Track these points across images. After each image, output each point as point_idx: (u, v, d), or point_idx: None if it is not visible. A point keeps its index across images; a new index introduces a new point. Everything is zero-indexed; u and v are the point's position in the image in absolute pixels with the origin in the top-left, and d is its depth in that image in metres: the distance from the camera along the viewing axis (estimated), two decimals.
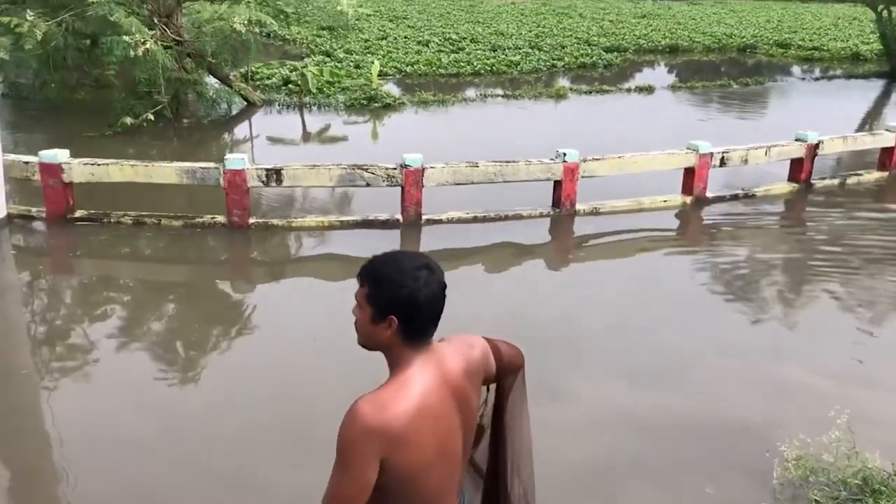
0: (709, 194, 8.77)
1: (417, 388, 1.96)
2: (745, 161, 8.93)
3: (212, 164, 7.58)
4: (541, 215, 8.13)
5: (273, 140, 11.92)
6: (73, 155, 7.57)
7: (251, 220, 7.55)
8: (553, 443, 4.31)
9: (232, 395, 4.75)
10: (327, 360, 5.07)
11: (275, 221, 7.70)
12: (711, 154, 8.63)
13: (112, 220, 7.52)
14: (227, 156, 7.55)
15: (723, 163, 8.78)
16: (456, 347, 2.14)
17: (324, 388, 4.63)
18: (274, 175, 7.52)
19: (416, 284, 1.97)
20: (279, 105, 13.59)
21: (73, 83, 12.29)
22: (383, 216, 7.76)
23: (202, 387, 4.96)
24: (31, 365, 5.22)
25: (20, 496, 3.94)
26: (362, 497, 1.91)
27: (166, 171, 7.51)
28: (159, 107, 11.20)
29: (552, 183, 8.18)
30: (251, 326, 5.81)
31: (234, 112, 13.20)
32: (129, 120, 10.78)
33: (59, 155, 7.40)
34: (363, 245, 7.26)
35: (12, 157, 7.55)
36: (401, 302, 1.96)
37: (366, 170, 7.61)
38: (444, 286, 2.04)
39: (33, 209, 7.64)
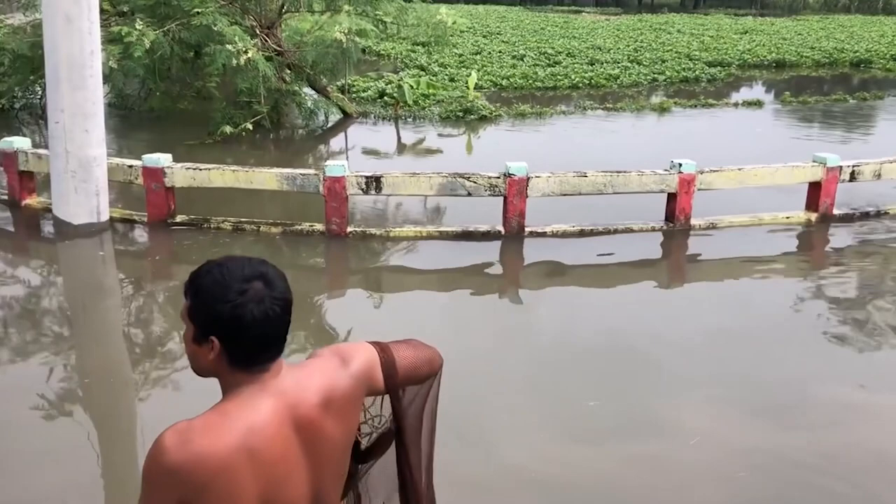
0: (835, 211, 8.09)
1: (240, 424, 1.57)
2: (878, 175, 8.20)
3: (311, 171, 7.43)
4: (652, 230, 7.64)
5: (368, 152, 11.79)
6: (175, 162, 7.54)
7: (349, 229, 7.34)
8: (682, 482, 3.86)
9: None
10: None
11: (373, 231, 7.47)
12: (840, 167, 7.95)
13: (212, 226, 7.44)
14: (327, 162, 7.38)
15: (853, 177, 8.08)
16: (317, 368, 1.73)
17: None
18: (373, 183, 7.30)
19: (242, 299, 1.58)
20: (374, 117, 13.50)
21: (175, 94, 12.49)
22: (484, 227, 7.43)
23: None
24: (129, 368, 5.09)
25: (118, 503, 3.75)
26: None
27: (266, 177, 7.39)
28: (258, 116, 11.26)
29: (665, 196, 7.69)
30: (347, 339, 5.52)
31: (331, 123, 13.18)
32: (228, 129, 10.84)
33: (162, 159, 7.38)
34: (462, 257, 6.95)
35: (116, 160, 7.58)
36: (222, 320, 1.58)
37: (467, 178, 7.30)
38: (286, 302, 1.65)
39: (135, 213, 7.64)
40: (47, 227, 7.55)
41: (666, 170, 7.57)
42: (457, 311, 5.97)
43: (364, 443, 2.00)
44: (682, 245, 7.57)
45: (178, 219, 7.51)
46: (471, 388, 4.54)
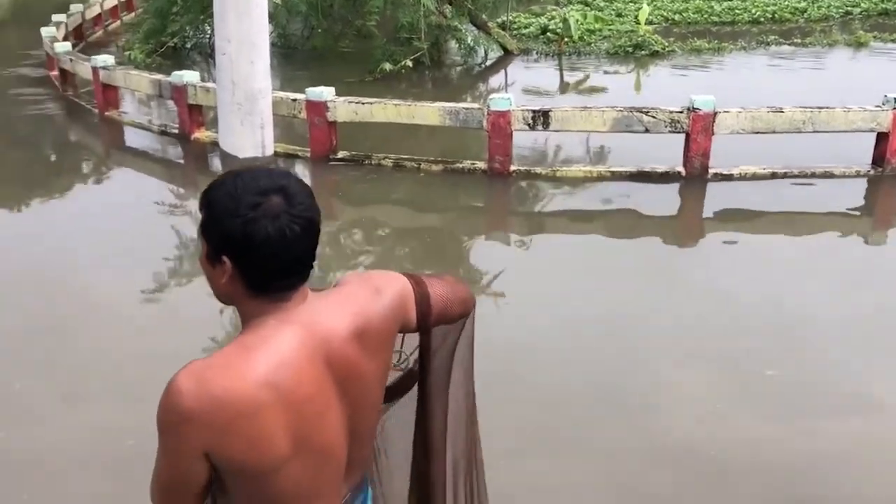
0: None
1: (264, 358, 1.35)
2: None
3: (475, 105, 7.05)
4: (857, 175, 6.72)
5: (529, 90, 11.22)
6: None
7: (512, 168, 6.91)
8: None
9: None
10: (578, 336, 4.27)
11: (537, 170, 7.01)
12: None
13: (372, 163, 7.24)
14: (492, 96, 6.95)
15: None
16: (348, 298, 1.52)
17: (572, 369, 3.86)
18: (541, 117, 6.80)
19: (254, 214, 1.35)
20: (536, 54, 12.86)
21: (337, 33, 12.39)
22: (662, 168, 6.78)
23: None
24: None
25: None
26: (188, 493, 1.39)
27: (429, 112, 7.07)
28: (418, 53, 10.96)
29: (874, 137, 6.72)
30: (500, 287, 5.08)
31: (490, 61, 12.69)
32: (388, 66, 10.62)
33: (325, 93, 7.21)
34: (636, 200, 6.36)
35: (281, 93, 7.50)
36: (232, 238, 1.36)
37: (645, 113, 6.65)
38: (309, 221, 1.40)
39: (298, 149, 7.56)
40: (214, 161, 7.63)
41: (878, 105, 6.59)
42: (627, 261, 5.41)
43: (388, 382, 1.78)
44: (892, 193, 6.61)
45: (340, 155, 7.36)
46: (633, 350, 4.07)
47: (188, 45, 12.53)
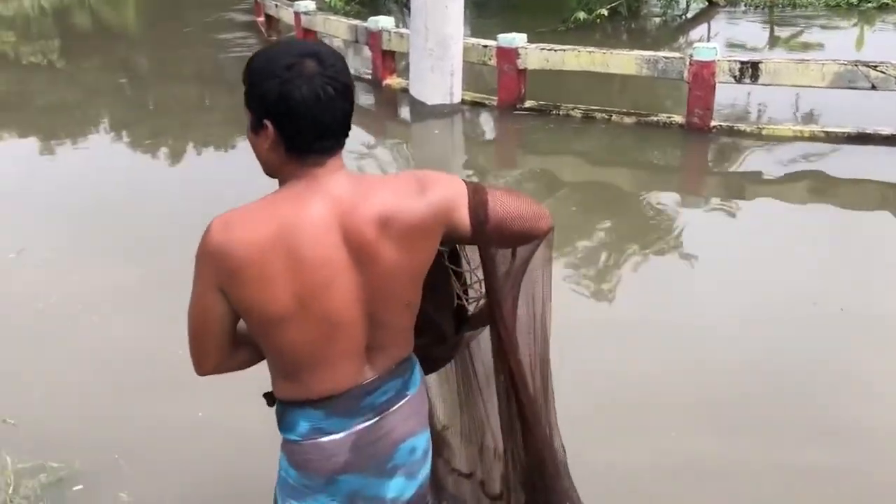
0: None
1: (282, 216, 1.44)
2: None
3: (677, 54, 6.58)
4: None
5: (733, 45, 10.41)
6: None
7: (713, 123, 6.42)
8: None
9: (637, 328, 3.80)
10: (778, 319, 3.79)
11: (741, 126, 6.46)
12: None
13: (561, 113, 6.99)
14: (696, 45, 6.46)
15: None
16: (385, 185, 1.55)
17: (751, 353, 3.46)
18: (749, 69, 6.23)
19: (289, 75, 1.41)
20: (744, 6, 11.93)
21: None
22: (886, 130, 6.04)
23: (611, 308, 4.08)
24: None
25: None
26: (208, 326, 1.52)
27: (624, 60, 6.69)
28: (615, 3, 10.48)
29: None
30: (686, 253, 4.68)
31: (692, 13, 11.93)
32: (582, 15, 10.26)
33: (517, 39, 7.02)
34: (853, 164, 5.69)
35: (472, 40, 7.39)
36: (270, 99, 1.43)
37: (874, 68, 5.92)
38: (342, 84, 1.44)
39: (486, 97, 7.45)
40: (403, 107, 7.68)
41: None
42: (842, 237, 4.80)
43: (471, 308, 1.80)
44: None
45: (527, 104, 7.16)
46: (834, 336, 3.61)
47: None
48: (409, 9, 12.34)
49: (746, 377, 3.32)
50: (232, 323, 1.53)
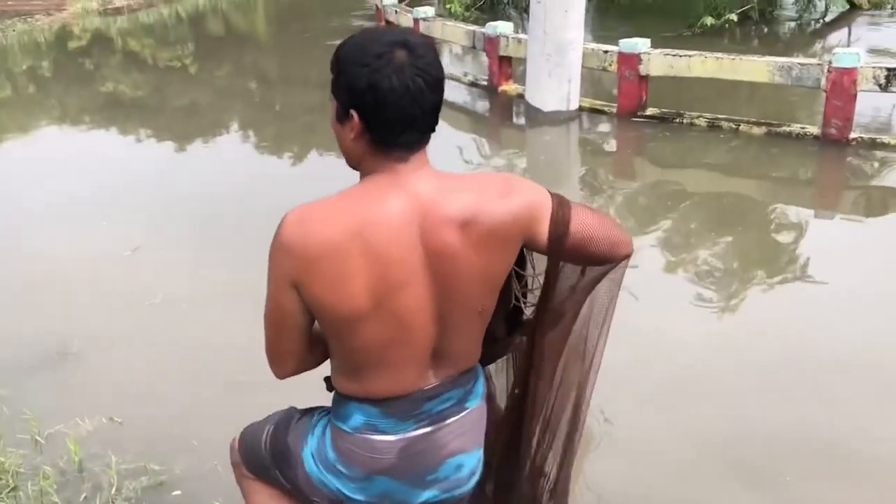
0: None
1: (361, 211, 1.38)
2: None
3: (813, 61, 6.15)
4: None
5: (876, 51, 9.71)
6: None
7: (852, 135, 5.95)
8: None
9: (751, 347, 3.47)
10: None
11: (884, 139, 5.96)
12: None
13: (684, 121, 6.67)
14: (836, 50, 6.01)
15: None
16: (470, 185, 1.46)
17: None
18: None
19: (379, 64, 1.34)
20: (892, 8, 11.11)
21: None
22: None
23: (722, 327, 3.76)
24: None
25: None
26: (286, 326, 1.48)
27: (755, 67, 6.31)
28: (747, 7, 9.98)
29: None
30: (818, 274, 4.26)
31: (831, 16, 11.20)
32: (709, 20, 9.83)
33: (640, 44, 6.75)
34: None
35: (591, 45, 7.17)
36: (359, 88, 1.35)
37: None
38: (433, 77, 1.37)
39: (604, 104, 7.21)
40: (518, 113, 7.54)
41: None
42: None
43: (527, 313, 1.74)
44: None
45: (648, 112, 6.88)
46: None
47: (504, 0, 12.64)
48: (528, 13, 12.26)
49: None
50: (309, 322, 1.50)
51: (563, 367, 1.74)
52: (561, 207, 1.52)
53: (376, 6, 11.66)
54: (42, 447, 3.07)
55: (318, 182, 6.09)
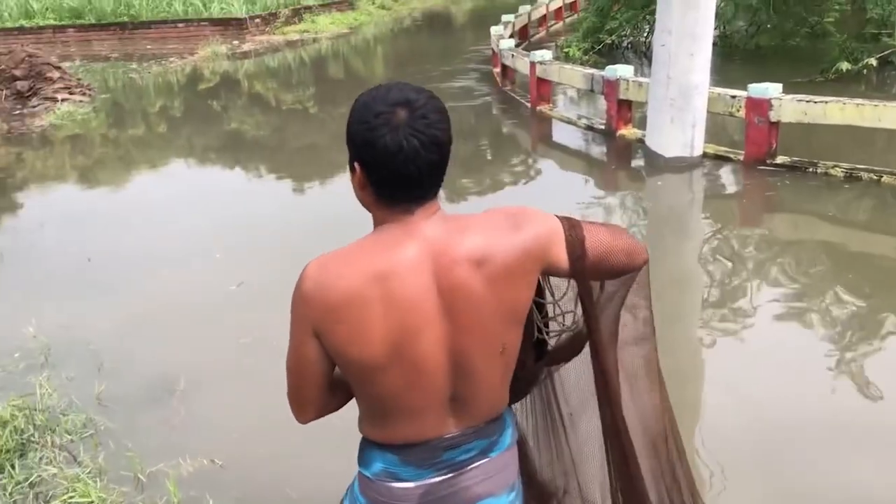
0: None
1: (377, 260, 1.42)
2: None
3: None
4: None
5: None
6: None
7: None
8: None
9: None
10: None
11: None
12: None
13: (818, 171, 6.24)
14: None
15: None
16: (478, 224, 1.48)
17: None
18: None
19: (377, 122, 1.40)
20: None
21: (787, 30, 11.19)
22: None
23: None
24: (695, 315, 4.36)
25: None
26: (307, 374, 1.50)
27: None
28: (887, 51, 9.36)
29: None
30: None
31: None
32: (845, 66, 9.25)
33: (771, 89, 6.39)
34: None
35: (718, 90, 6.84)
36: (358, 144, 1.43)
37: None
38: (430, 138, 1.40)
39: (729, 150, 6.85)
40: (637, 158, 7.27)
41: None
42: None
43: (551, 343, 1.73)
44: None
45: (779, 160, 6.47)
46: None
47: (624, 43, 12.42)
48: (648, 58, 11.97)
49: None
50: (329, 370, 1.52)
51: (626, 372, 1.71)
52: (573, 229, 1.54)
53: (492, 50, 11.68)
54: (143, 485, 3.04)
55: None
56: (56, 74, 11.38)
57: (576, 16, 16.11)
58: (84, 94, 11.44)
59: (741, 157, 6.66)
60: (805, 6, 10.92)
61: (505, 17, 13.05)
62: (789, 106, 6.32)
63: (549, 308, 1.71)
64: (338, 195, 7.05)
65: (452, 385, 1.50)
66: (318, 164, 8.26)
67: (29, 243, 5.78)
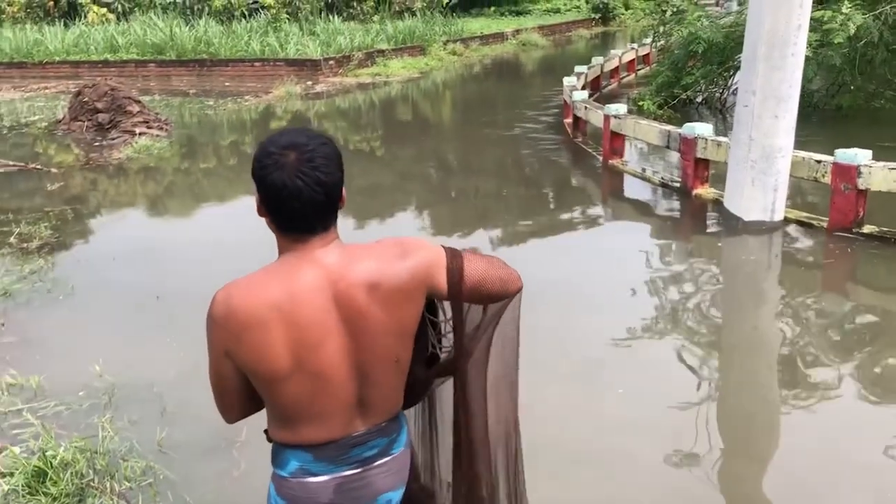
0: None
1: (278, 285, 1.67)
2: None
3: None
4: None
5: None
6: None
7: None
8: None
9: None
10: None
11: None
12: None
13: None
14: None
15: None
16: (371, 253, 1.75)
17: None
18: None
19: (268, 162, 1.66)
20: None
21: (871, 90, 10.85)
22: None
23: None
24: (770, 386, 4.11)
25: None
26: (225, 387, 1.76)
27: None
28: None
29: None
30: None
31: None
32: None
33: (860, 156, 6.13)
34: None
35: (802, 153, 6.60)
36: (255, 180, 1.69)
37: None
38: (313, 179, 1.65)
39: (812, 217, 6.58)
40: (713, 220, 7.05)
41: None
42: None
43: (442, 357, 1.95)
44: None
45: (866, 229, 6.18)
46: None
47: (698, 99, 12.21)
48: (723, 114, 11.74)
49: None
50: (245, 381, 1.74)
51: (491, 401, 1.94)
52: (454, 259, 1.79)
53: (564, 101, 11.61)
54: None
55: None
56: (136, 108, 11.71)
57: (648, 68, 15.99)
58: (161, 128, 11.73)
59: (825, 225, 6.38)
60: (890, 68, 10.58)
61: (578, 69, 13.00)
62: (879, 174, 6.04)
63: (442, 325, 1.93)
64: (395, 230, 7.03)
65: (358, 390, 1.75)
66: (381, 203, 8.25)
67: (100, 277, 5.85)
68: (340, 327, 1.68)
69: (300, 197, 1.64)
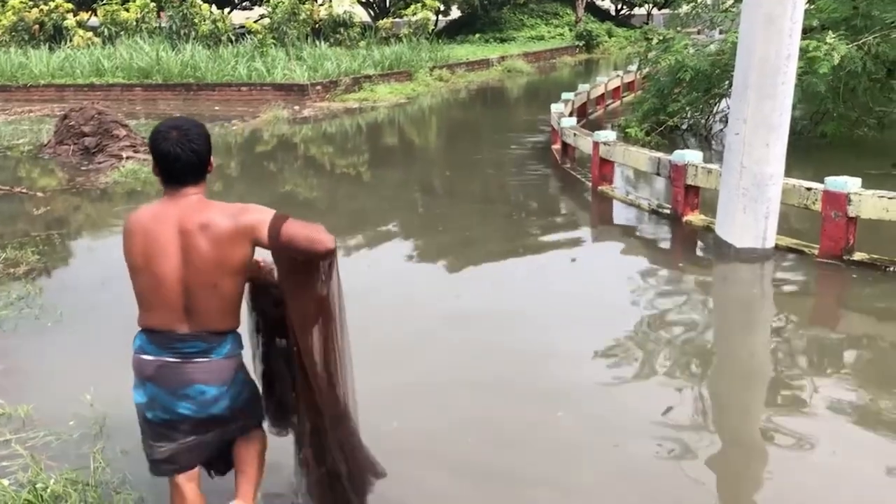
0: None
1: (149, 212, 2.64)
2: None
3: None
4: None
5: None
6: None
7: None
8: None
9: None
10: None
11: None
12: None
13: None
14: None
15: None
16: (218, 207, 2.61)
17: None
18: None
19: (158, 137, 2.60)
20: None
21: (854, 119, 11.00)
22: None
23: None
24: (761, 422, 4.10)
25: None
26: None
27: None
28: None
29: None
30: None
31: None
32: None
33: (850, 184, 6.18)
34: None
35: (793, 181, 6.65)
36: (151, 149, 2.63)
37: None
38: (188, 150, 2.57)
39: (803, 244, 6.62)
40: (704, 246, 7.07)
41: None
42: None
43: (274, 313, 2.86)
44: None
45: (856, 256, 6.22)
46: None
47: (684, 126, 12.32)
48: (708, 141, 11.84)
49: None
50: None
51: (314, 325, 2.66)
52: (276, 221, 2.52)
53: (552, 127, 11.67)
54: None
55: (465, 297, 5.81)
56: (123, 132, 11.62)
57: (633, 95, 16.13)
58: (148, 152, 11.64)
59: (815, 252, 6.42)
60: (872, 96, 10.74)
61: (565, 95, 13.09)
62: (869, 202, 6.10)
63: (275, 291, 2.78)
64: (383, 261, 6.97)
65: (184, 300, 2.58)
66: (365, 227, 8.21)
67: (89, 303, 5.75)
68: (178, 250, 2.54)
69: (179, 159, 2.57)
